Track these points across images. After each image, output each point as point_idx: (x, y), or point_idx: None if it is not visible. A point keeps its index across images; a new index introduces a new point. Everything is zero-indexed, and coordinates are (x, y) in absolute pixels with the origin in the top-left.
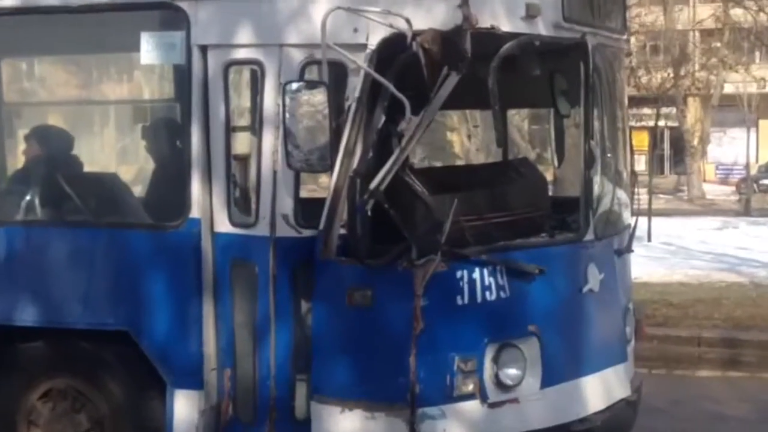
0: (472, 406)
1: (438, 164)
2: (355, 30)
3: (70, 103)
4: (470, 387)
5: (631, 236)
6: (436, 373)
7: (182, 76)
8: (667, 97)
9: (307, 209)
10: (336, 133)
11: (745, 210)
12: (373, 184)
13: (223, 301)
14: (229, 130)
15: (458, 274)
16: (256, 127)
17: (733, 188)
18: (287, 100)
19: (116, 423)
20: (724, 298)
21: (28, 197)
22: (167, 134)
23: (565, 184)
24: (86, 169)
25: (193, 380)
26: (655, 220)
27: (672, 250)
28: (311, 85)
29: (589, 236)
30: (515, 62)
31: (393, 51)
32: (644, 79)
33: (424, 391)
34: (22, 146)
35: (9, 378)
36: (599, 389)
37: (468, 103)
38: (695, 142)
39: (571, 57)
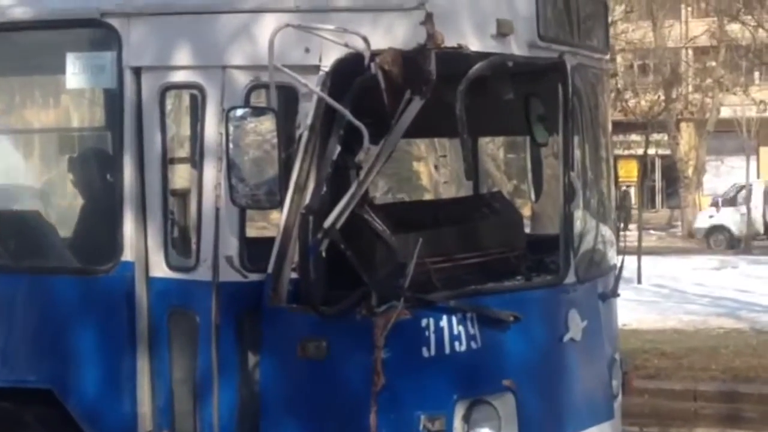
0: None
1: (404, 198)
2: (307, 50)
3: None
4: None
5: (618, 278)
6: None
7: (113, 101)
8: (658, 123)
9: (254, 250)
10: (286, 165)
11: (746, 248)
12: (327, 222)
13: (159, 355)
14: (166, 161)
15: (423, 322)
16: (196, 159)
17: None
18: (231, 128)
19: None
20: (723, 346)
21: None
22: (97, 166)
23: (544, 220)
24: (4, 206)
25: None
26: (645, 259)
27: (664, 293)
28: (258, 112)
29: (570, 279)
30: (486, 85)
31: (349, 73)
32: (632, 103)
33: None
34: None
35: None
36: None
37: (433, 130)
38: (689, 171)
39: (548, 79)
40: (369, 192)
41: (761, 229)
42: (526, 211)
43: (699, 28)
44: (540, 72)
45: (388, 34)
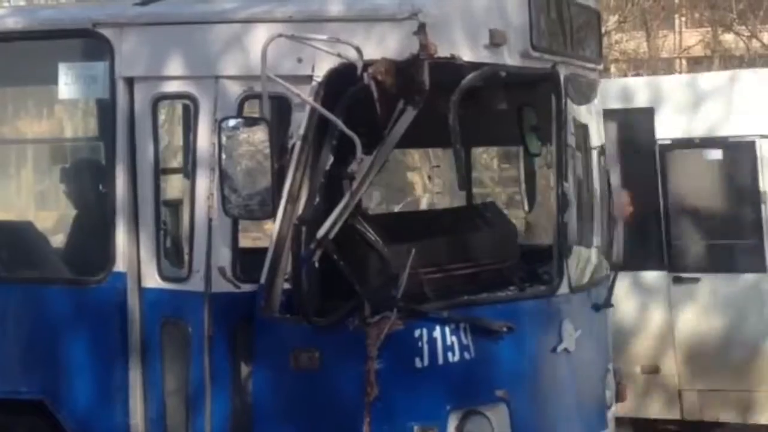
0: None
1: (397, 208)
2: (300, 60)
3: None
4: None
5: (611, 289)
6: None
7: (106, 111)
8: None
9: (247, 261)
10: (278, 176)
11: None
12: (320, 233)
13: (152, 366)
14: (159, 172)
15: (417, 333)
16: (188, 169)
17: None
18: (224, 139)
19: None
20: None
21: None
22: (89, 177)
23: (537, 230)
24: None
25: None
26: None
27: None
28: (250, 122)
29: (564, 289)
30: (479, 95)
31: (342, 83)
32: None
33: None
34: None
35: None
36: None
37: (426, 140)
38: None
39: (541, 89)
40: (362, 202)
41: None
42: (519, 222)
43: (693, 39)
44: (533, 82)
45: (381, 45)
